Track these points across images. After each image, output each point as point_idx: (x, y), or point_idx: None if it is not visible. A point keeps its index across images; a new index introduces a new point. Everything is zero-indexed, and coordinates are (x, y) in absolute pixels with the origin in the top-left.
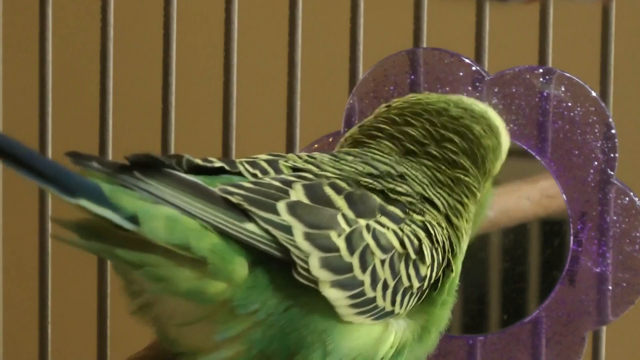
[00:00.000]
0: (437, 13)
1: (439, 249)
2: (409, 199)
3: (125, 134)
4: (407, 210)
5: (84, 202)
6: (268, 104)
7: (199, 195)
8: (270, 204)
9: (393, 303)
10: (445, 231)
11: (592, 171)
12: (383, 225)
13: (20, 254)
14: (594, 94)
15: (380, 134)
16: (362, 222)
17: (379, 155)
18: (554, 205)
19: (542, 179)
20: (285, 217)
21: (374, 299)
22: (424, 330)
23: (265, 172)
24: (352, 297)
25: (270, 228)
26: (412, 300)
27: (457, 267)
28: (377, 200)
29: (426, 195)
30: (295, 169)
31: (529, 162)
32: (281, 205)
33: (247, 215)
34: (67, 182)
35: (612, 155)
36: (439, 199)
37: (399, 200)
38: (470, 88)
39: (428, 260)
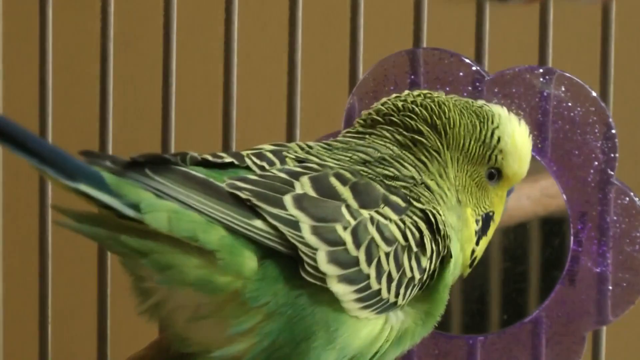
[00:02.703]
0: (437, 13)
1: (439, 239)
2: (405, 184)
3: (125, 133)
4: (408, 198)
5: (84, 187)
6: (268, 104)
7: (207, 191)
8: (277, 198)
9: (397, 295)
10: (441, 217)
11: (592, 171)
12: (386, 217)
13: (20, 254)
14: (594, 94)
15: (362, 121)
16: (366, 213)
17: (363, 140)
18: (554, 205)
19: (542, 179)
20: (293, 211)
21: (378, 292)
22: (427, 316)
23: (271, 164)
24: (357, 291)
25: (278, 224)
26: (414, 290)
27: (455, 248)
28: (381, 190)
29: (417, 177)
30: (298, 160)
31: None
32: (288, 199)
33: (254, 211)
34: (66, 165)
35: (612, 155)
36: (414, 166)
37: (399, 188)
38: (470, 88)
39: (429, 252)
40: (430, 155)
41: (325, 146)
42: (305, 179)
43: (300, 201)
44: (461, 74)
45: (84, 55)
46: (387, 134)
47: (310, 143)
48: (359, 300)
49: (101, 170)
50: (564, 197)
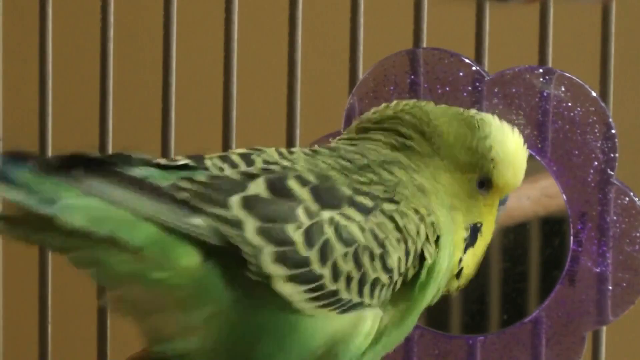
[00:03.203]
0: (437, 13)
1: (409, 239)
2: (383, 187)
3: (125, 134)
4: (379, 200)
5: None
6: (268, 104)
7: (141, 190)
8: (221, 199)
9: (360, 294)
10: (425, 217)
11: (592, 171)
12: (347, 218)
13: (20, 254)
14: (594, 94)
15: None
16: (326, 214)
17: (354, 147)
18: (554, 205)
19: (542, 179)
20: (237, 211)
21: (336, 292)
22: (402, 316)
23: (234, 166)
24: (310, 290)
25: (217, 224)
26: (385, 290)
27: (441, 249)
28: (347, 192)
29: (406, 178)
30: (267, 163)
31: (529, 162)
32: (235, 199)
33: (195, 210)
34: None
35: (612, 155)
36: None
37: (371, 191)
38: (470, 88)
39: (395, 253)
40: (422, 159)
41: (309, 152)
42: (260, 180)
43: (248, 201)
44: (461, 73)
45: (84, 55)
46: (381, 137)
47: (295, 149)
48: (313, 299)
49: (19, 169)
50: (564, 197)
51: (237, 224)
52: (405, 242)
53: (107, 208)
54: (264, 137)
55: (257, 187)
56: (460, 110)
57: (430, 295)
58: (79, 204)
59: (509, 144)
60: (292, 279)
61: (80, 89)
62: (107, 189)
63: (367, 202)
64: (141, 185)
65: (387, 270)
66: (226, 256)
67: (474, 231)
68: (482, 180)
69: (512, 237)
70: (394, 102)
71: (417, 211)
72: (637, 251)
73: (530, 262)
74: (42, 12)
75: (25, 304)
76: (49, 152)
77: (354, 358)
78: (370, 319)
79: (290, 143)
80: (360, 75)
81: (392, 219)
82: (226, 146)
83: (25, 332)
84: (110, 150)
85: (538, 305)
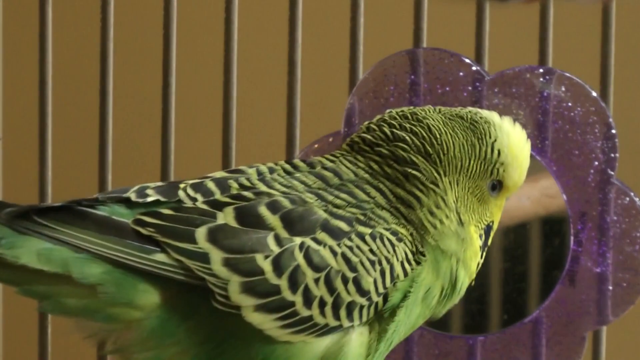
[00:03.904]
0: (437, 13)
1: (383, 261)
2: (359, 210)
3: (125, 134)
4: (354, 223)
5: None
6: (268, 104)
7: (102, 229)
8: (188, 232)
9: (337, 318)
10: (404, 238)
11: (592, 171)
12: (319, 242)
13: None
14: (594, 94)
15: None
16: (298, 240)
17: (340, 164)
18: (554, 205)
19: (543, 179)
20: (203, 244)
21: (310, 318)
22: (391, 333)
23: (208, 194)
24: (282, 318)
25: (182, 258)
26: (365, 311)
27: (425, 268)
28: (322, 215)
29: (382, 203)
30: (243, 188)
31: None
32: (201, 232)
33: (159, 245)
34: None
35: (612, 155)
36: (381, 190)
37: (346, 213)
38: (470, 88)
39: (369, 276)
40: (426, 187)
41: (289, 169)
42: (229, 210)
43: (215, 233)
44: (461, 73)
45: (84, 55)
46: (361, 160)
47: (277, 166)
48: (287, 326)
49: None
50: (564, 197)
51: (203, 257)
52: (380, 264)
53: (55, 247)
54: (264, 137)
55: (225, 217)
56: (461, 113)
57: (417, 311)
58: (25, 242)
59: (515, 143)
60: (261, 307)
61: (80, 89)
62: (61, 230)
63: (343, 225)
64: (106, 224)
65: (363, 292)
66: (192, 291)
67: (488, 232)
68: (494, 183)
69: (512, 237)
70: (388, 113)
71: (395, 232)
72: (637, 251)
73: (530, 262)
74: (42, 12)
75: (25, 303)
76: (49, 152)
77: None
78: (355, 340)
79: (290, 143)
80: (360, 75)
81: (365, 242)
82: (226, 146)
83: (25, 332)
84: (110, 150)
85: (538, 305)
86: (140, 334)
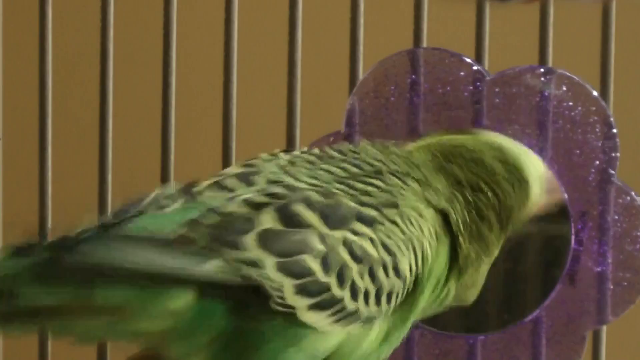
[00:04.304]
0: (437, 13)
1: (415, 240)
2: (382, 193)
3: (125, 134)
4: (381, 207)
5: None
6: (268, 104)
7: (150, 246)
8: (235, 240)
9: (379, 306)
10: (426, 221)
11: (592, 170)
12: (357, 234)
13: None
14: (594, 93)
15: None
16: (338, 234)
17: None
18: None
19: None
20: (255, 252)
21: (356, 311)
22: (405, 318)
23: (232, 192)
24: (332, 314)
25: (236, 265)
26: (398, 298)
27: (439, 260)
28: (351, 205)
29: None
30: (270, 182)
31: None
32: (250, 238)
33: (209, 256)
34: None
35: (612, 154)
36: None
37: (372, 198)
38: (470, 88)
39: (405, 258)
40: (489, 250)
41: (310, 159)
42: (268, 211)
43: (264, 238)
44: (462, 73)
45: (84, 55)
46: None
47: (295, 157)
48: (336, 321)
49: None
50: (565, 196)
51: (256, 264)
52: (412, 244)
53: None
54: (264, 137)
55: (268, 220)
56: (505, 149)
57: (430, 291)
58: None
59: (536, 188)
60: (314, 306)
61: (80, 89)
62: (121, 253)
63: (372, 212)
64: (153, 241)
65: (401, 277)
66: (224, 290)
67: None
68: None
69: (512, 236)
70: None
71: (415, 208)
72: (638, 250)
73: (530, 261)
74: (42, 12)
75: None
76: (49, 152)
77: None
78: (377, 324)
79: (290, 143)
80: (360, 75)
81: (395, 224)
82: (226, 146)
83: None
84: (110, 151)
85: (538, 304)
86: (173, 332)
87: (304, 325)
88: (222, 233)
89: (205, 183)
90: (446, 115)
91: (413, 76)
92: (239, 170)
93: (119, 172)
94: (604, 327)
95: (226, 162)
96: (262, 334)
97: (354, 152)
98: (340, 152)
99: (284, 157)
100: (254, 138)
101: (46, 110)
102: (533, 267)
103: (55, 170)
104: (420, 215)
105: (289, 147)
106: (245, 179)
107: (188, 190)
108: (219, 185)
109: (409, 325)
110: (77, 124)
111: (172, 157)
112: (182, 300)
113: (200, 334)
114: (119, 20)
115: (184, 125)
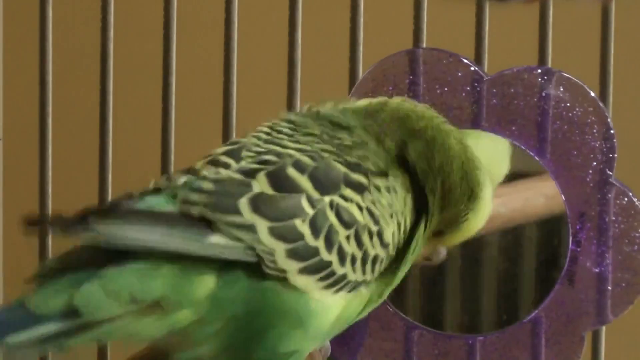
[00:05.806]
0: (437, 13)
1: (399, 212)
2: (370, 161)
3: (125, 133)
4: (370, 175)
5: (13, 340)
6: (268, 103)
7: (155, 221)
8: (232, 204)
9: (364, 272)
10: (410, 194)
11: (591, 171)
12: (346, 199)
13: (20, 254)
14: (592, 94)
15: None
16: (327, 199)
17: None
18: (553, 205)
19: (542, 179)
20: (248, 215)
21: (344, 276)
22: (386, 288)
23: (227, 166)
24: (322, 279)
25: (239, 234)
26: (382, 265)
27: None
28: (341, 169)
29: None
30: (258, 153)
31: (529, 162)
32: (243, 202)
33: (211, 225)
34: None
35: (611, 155)
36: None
37: (361, 165)
38: (468, 88)
39: (390, 227)
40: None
41: (291, 125)
42: (261, 176)
43: (257, 203)
44: (460, 74)
45: (84, 55)
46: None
47: (275, 122)
48: (326, 287)
49: (18, 302)
50: (563, 197)
51: (250, 228)
52: (397, 215)
53: (111, 280)
54: None
55: (261, 185)
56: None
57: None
58: (90, 292)
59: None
60: (304, 270)
61: (80, 89)
62: (134, 228)
63: (361, 178)
64: (157, 217)
65: (384, 245)
66: (235, 263)
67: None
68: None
69: (511, 237)
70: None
71: (403, 183)
72: (636, 251)
73: (529, 262)
74: (42, 12)
75: None
76: (49, 152)
77: (342, 328)
78: (364, 293)
79: None
80: (360, 75)
81: (383, 194)
82: None
83: None
84: (110, 150)
85: (537, 305)
86: (194, 321)
87: (307, 298)
88: (220, 198)
89: (200, 163)
90: (444, 115)
91: (411, 76)
92: (227, 148)
93: (119, 171)
94: (603, 328)
95: None
96: (269, 316)
97: (303, 120)
98: (291, 122)
99: (263, 131)
100: None
101: (46, 110)
102: (532, 267)
103: (56, 169)
104: (401, 185)
105: None
106: (234, 155)
107: (193, 171)
108: (214, 162)
109: (384, 297)
110: (78, 124)
111: (172, 157)
112: (205, 288)
113: (215, 321)
114: (119, 20)
115: (184, 125)
